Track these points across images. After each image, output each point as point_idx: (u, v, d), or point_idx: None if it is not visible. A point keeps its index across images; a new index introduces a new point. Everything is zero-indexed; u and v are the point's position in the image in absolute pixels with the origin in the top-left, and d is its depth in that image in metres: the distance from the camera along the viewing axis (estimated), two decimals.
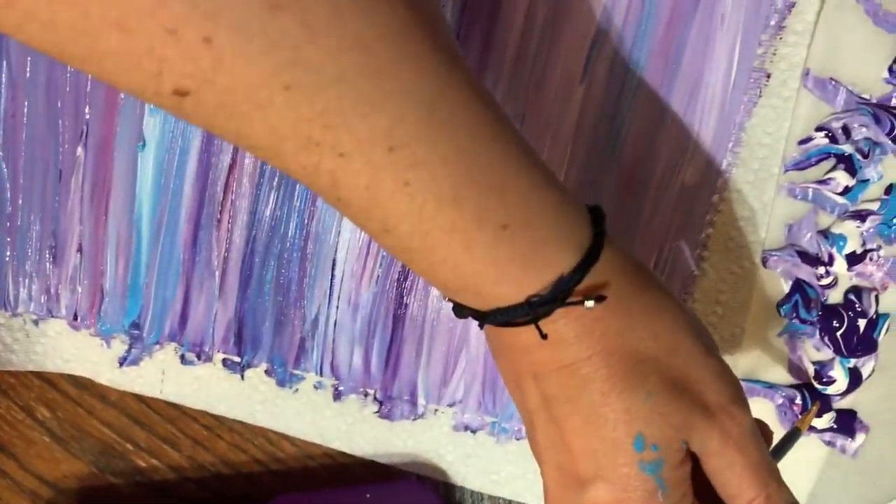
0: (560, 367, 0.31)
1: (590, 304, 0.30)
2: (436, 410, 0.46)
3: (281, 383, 0.47)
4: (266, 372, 0.47)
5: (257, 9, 0.23)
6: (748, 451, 0.32)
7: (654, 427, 0.31)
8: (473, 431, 0.46)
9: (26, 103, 0.43)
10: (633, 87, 0.40)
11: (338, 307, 0.45)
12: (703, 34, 0.39)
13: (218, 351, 0.47)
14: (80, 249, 0.45)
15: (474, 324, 0.44)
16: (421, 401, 0.46)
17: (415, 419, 0.47)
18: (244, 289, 0.45)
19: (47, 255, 0.46)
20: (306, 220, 0.44)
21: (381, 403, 0.47)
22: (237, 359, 0.47)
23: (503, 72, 0.40)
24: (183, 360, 0.47)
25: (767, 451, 0.34)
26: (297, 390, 0.47)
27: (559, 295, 0.30)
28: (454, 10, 0.40)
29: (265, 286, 0.45)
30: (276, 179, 0.43)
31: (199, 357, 0.47)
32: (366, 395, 0.47)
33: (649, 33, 0.39)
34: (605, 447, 0.31)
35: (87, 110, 0.43)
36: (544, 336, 0.30)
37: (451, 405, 0.46)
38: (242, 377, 0.47)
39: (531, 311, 0.30)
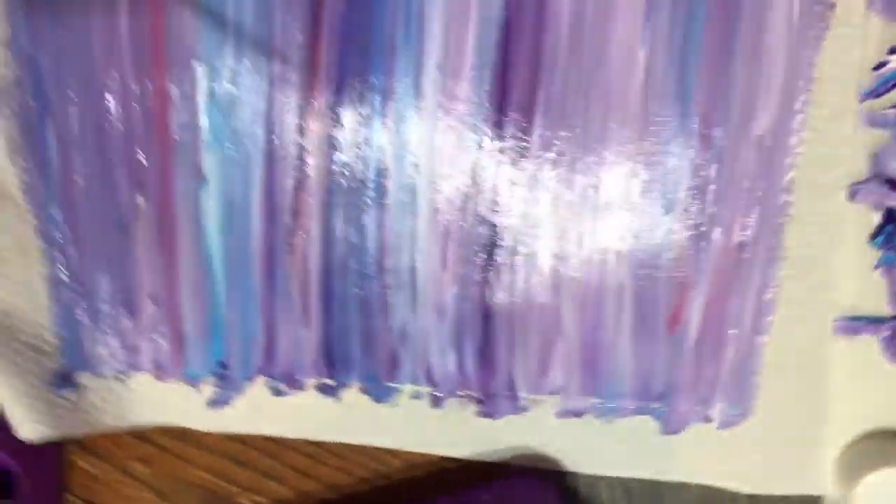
0: None
1: None
2: (538, 401, 0.46)
3: (378, 399, 0.46)
4: (361, 390, 0.46)
5: None
6: None
7: None
8: (579, 416, 0.46)
9: (79, 159, 0.43)
10: (696, 41, 0.39)
11: (424, 314, 0.44)
12: None
13: (310, 377, 0.46)
14: (153, 298, 0.45)
15: (565, 308, 0.43)
16: (522, 394, 0.45)
17: (518, 413, 0.46)
18: (327, 310, 0.44)
19: (122, 310, 0.45)
20: (379, 233, 0.43)
21: (481, 403, 0.46)
22: (331, 382, 0.46)
23: (560, 45, 0.40)
24: (275, 391, 0.46)
25: None
26: (395, 404, 0.46)
27: None
28: None
29: (348, 304, 0.44)
30: (344, 196, 0.42)
31: (291, 386, 0.46)
32: (465, 397, 0.46)
33: None
34: None
35: (141, 157, 0.42)
36: None
37: (553, 393, 0.45)
38: (339, 399, 0.46)
39: None
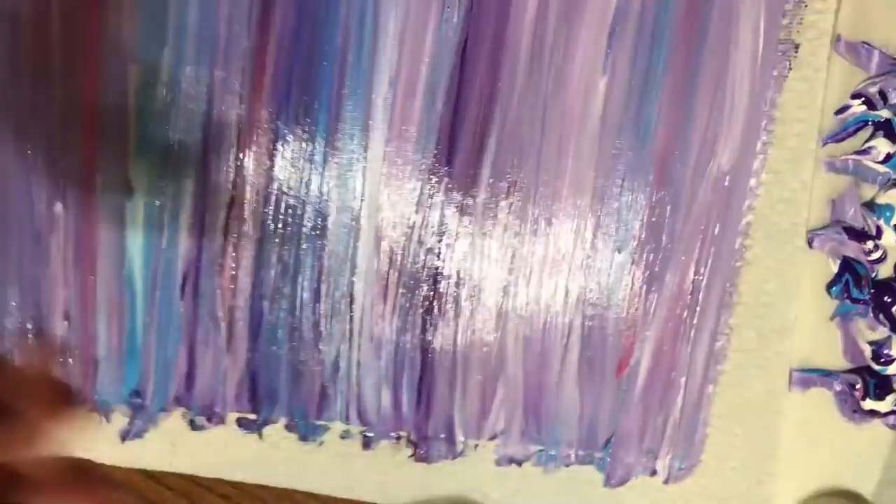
0: None
1: None
2: (476, 446, 0.43)
3: (304, 437, 0.43)
4: (286, 427, 0.43)
5: None
6: None
7: None
8: (519, 464, 0.43)
9: None
10: (659, 72, 0.38)
11: (360, 346, 0.41)
12: (726, 10, 0.37)
13: (231, 410, 0.42)
14: (66, 317, 0.41)
15: (509, 346, 0.41)
16: (459, 437, 0.43)
17: (454, 458, 0.43)
18: (255, 338, 0.41)
19: (29, 326, 0.41)
20: (317, 256, 0.40)
21: (416, 446, 0.43)
22: (253, 416, 0.42)
23: (518, 68, 0.38)
24: (193, 425, 0.43)
25: None
26: (322, 443, 0.43)
27: None
28: (462, 2, 0.38)
29: (278, 332, 0.41)
30: (282, 215, 0.40)
31: (210, 420, 0.43)
32: (398, 438, 0.43)
33: (671, 14, 0.37)
34: None
35: (62, 161, 0.39)
36: None
37: (492, 438, 0.43)
38: (261, 436, 0.43)
39: None
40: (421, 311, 0.41)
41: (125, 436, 0.43)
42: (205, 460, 0.43)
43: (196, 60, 0.38)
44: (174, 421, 0.43)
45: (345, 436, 0.43)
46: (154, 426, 0.43)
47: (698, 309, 0.40)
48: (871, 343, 0.40)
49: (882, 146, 0.38)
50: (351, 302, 0.41)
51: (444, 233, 0.40)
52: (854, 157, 0.39)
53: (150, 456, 0.43)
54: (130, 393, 0.42)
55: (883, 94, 0.38)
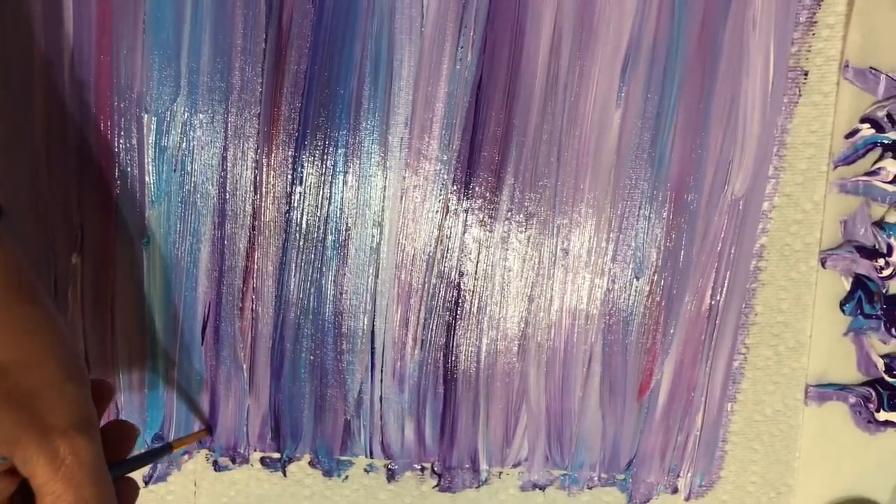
0: None
1: None
2: (500, 473, 0.43)
3: (328, 473, 0.43)
4: (310, 463, 0.43)
5: None
6: (80, 485, 0.30)
7: None
8: (543, 489, 0.43)
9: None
10: (672, 104, 0.38)
11: (382, 381, 0.41)
12: (737, 40, 0.38)
13: (255, 450, 0.42)
14: (87, 367, 0.41)
15: (531, 375, 0.41)
16: (483, 466, 0.43)
17: (478, 487, 0.43)
18: (277, 378, 0.41)
19: None
20: (337, 294, 0.40)
21: (440, 476, 0.43)
22: (276, 455, 0.43)
23: (533, 104, 0.38)
24: (216, 466, 0.43)
25: (108, 487, 0.31)
26: (346, 478, 0.43)
27: None
28: (475, 43, 0.38)
29: (300, 371, 0.41)
30: (301, 256, 0.40)
31: (234, 460, 0.43)
32: (423, 469, 0.43)
33: (682, 46, 0.38)
34: None
35: (77, 211, 0.39)
36: None
37: (516, 465, 0.43)
38: (285, 474, 0.43)
39: None
40: (442, 343, 0.41)
41: (148, 480, 0.43)
42: (229, 500, 0.43)
43: (210, 108, 0.38)
44: (197, 463, 0.43)
45: (369, 469, 0.43)
46: (177, 469, 0.43)
47: (716, 330, 0.41)
48: (883, 356, 0.41)
49: (891, 167, 0.39)
50: (372, 338, 0.41)
51: (462, 264, 0.40)
52: (864, 178, 0.40)
53: (173, 499, 0.43)
54: (153, 437, 0.42)
55: (891, 118, 0.38)
